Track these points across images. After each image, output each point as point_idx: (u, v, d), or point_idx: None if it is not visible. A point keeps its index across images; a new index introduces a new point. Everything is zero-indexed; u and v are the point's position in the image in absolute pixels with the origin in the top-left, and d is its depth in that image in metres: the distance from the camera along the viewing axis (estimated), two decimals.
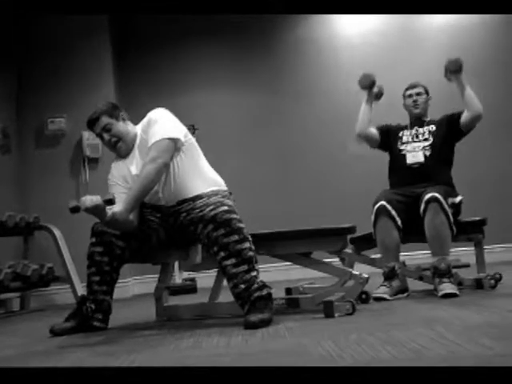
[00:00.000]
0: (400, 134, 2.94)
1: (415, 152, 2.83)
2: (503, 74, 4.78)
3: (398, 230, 2.62)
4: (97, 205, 2.13)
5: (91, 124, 2.43)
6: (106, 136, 2.41)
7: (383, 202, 2.63)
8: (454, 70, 2.78)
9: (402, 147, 2.89)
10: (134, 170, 2.38)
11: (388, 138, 2.96)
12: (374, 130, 2.98)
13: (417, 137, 2.88)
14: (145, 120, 2.40)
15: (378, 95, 2.99)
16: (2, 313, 3.84)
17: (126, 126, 2.44)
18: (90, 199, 2.14)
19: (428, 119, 2.94)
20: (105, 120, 2.40)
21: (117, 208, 2.16)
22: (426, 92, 2.97)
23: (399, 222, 2.62)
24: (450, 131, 2.84)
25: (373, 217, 2.65)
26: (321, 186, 4.73)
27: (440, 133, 2.85)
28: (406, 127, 2.96)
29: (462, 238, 2.78)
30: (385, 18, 4.84)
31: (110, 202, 2.14)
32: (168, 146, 2.27)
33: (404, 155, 2.86)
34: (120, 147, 2.42)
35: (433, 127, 2.89)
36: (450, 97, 4.62)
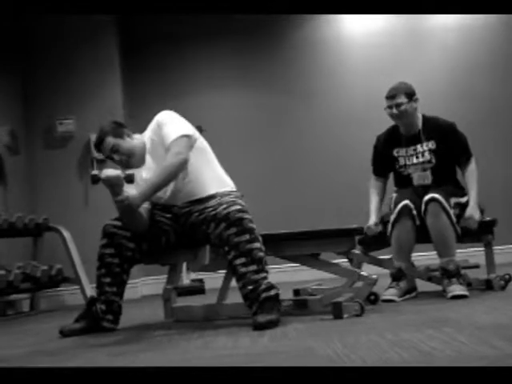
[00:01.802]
0: (395, 154, 2.75)
1: (420, 173, 2.68)
2: (509, 74, 4.73)
3: (415, 231, 2.58)
4: (117, 176, 2.15)
5: (98, 146, 2.44)
6: (116, 157, 2.42)
7: (407, 202, 2.56)
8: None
9: (401, 170, 2.74)
10: (144, 174, 2.40)
11: (386, 166, 2.81)
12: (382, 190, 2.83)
13: (416, 157, 2.70)
14: (153, 123, 2.42)
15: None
16: (12, 314, 3.86)
17: (131, 142, 2.44)
18: (112, 170, 2.18)
19: (420, 127, 2.70)
20: (110, 141, 2.39)
21: (131, 192, 2.18)
22: (410, 96, 2.66)
23: (418, 222, 2.56)
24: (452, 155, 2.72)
25: (394, 216, 2.56)
26: (328, 186, 4.72)
27: (442, 151, 2.67)
28: (398, 142, 2.73)
29: (472, 238, 2.75)
30: (391, 18, 4.82)
31: (130, 178, 2.16)
32: (186, 142, 2.31)
33: (407, 175, 2.72)
34: (133, 163, 2.42)
35: (433, 144, 2.67)
36: (453, 96, 4.66)
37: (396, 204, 2.59)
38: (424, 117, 2.76)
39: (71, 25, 4.50)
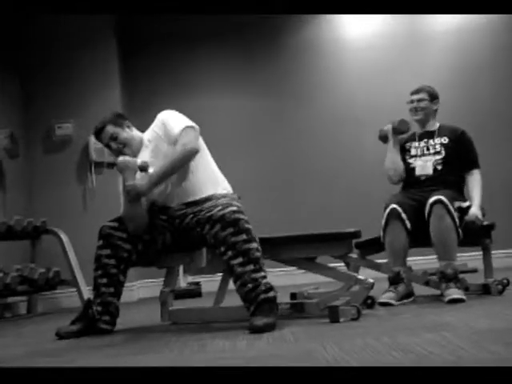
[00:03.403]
0: (407, 147, 2.89)
1: (424, 164, 2.78)
2: (510, 75, 4.74)
3: (407, 234, 2.59)
4: (134, 161, 2.27)
5: (98, 134, 2.49)
6: (113, 145, 2.47)
7: (395, 206, 2.60)
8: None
9: (411, 160, 2.84)
10: (139, 161, 2.41)
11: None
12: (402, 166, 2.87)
13: (427, 149, 2.82)
14: (156, 122, 2.47)
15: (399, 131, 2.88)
16: (10, 316, 3.86)
17: (130, 133, 2.51)
18: (129, 155, 2.33)
19: (436, 128, 2.87)
20: (110, 129, 2.46)
21: (140, 182, 2.26)
22: (432, 97, 2.88)
23: (409, 226, 2.59)
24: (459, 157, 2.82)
25: (384, 220, 2.61)
26: (325, 189, 4.72)
27: (453, 148, 2.79)
28: (412, 138, 2.90)
29: (470, 242, 2.75)
30: (389, 20, 4.84)
31: (144, 166, 2.26)
32: (194, 133, 2.37)
33: (413, 168, 2.82)
34: (126, 153, 2.46)
35: (445, 139, 2.82)
36: (453, 98, 4.66)
37: (385, 208, 2.63)
38: (440, 123, 2.92)
39: (70, 28, 4.51)
